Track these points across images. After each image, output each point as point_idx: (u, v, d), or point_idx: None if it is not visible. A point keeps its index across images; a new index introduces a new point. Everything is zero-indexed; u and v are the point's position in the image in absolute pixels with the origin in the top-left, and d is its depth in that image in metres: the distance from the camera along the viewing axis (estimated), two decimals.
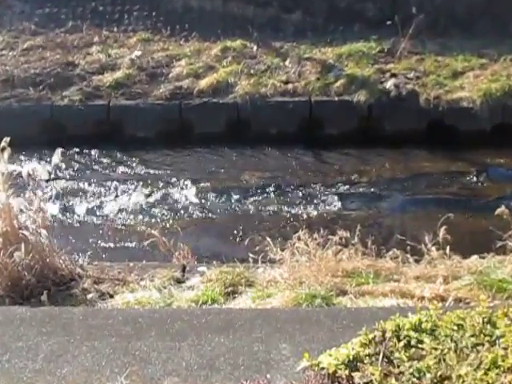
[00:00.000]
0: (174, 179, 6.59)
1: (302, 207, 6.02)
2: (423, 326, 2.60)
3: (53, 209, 5.97)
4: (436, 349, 2.49)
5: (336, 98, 7.36)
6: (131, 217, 5.98)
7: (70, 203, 6.24)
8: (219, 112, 7.39)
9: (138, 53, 8.35)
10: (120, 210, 6.08)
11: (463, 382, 2.36)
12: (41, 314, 3.34)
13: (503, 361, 2.41)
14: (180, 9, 9.21)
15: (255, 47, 8.36)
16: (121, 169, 6.94)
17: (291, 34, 8.71)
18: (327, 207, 6.03)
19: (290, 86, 7.57)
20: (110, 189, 6.48)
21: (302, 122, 7.31)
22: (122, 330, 3.16)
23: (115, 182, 6.58)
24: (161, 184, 6.52)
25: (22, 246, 3.65)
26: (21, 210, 3.88)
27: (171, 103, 7.50)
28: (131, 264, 4.03)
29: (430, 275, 3.71)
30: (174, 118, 7.44)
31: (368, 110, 7.28)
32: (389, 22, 8.13)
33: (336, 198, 6.14)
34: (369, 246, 3.89)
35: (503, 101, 7.13)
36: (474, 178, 6.45)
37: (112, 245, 5.53)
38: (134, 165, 7.00)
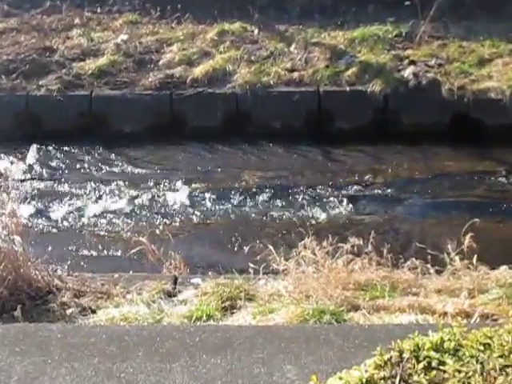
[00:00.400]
0: (164, 179, 6.60)
1: (308, 211, 6.03)
2: (445, 345, 2.60)
3: (28, 212, 5.98)
4: (460, 371, 2.49)
5: (347, 88, 7.37)
6: (116, 222, 5.99)
7: (47, 206, 6.24)
8: (215, 104, 7.40)
9: (124, 37, 8.37)
10: (103, 214, 6.09)
11: None
12: (14, 331, 3.34)
13: None
14: None
15: (256, 31, 8.38)
16: (104, 167, 6.95)
17: (297, 15, 8.73)
18: (337, 211, 6.03)
19: (295, 74, 7.59)
20: (92, 190, 6.48)
21: (309, 114, 7.33)
22: (105, 350, 3.16)
23: (98, 183, 6.58)
24: (149, 185, 6.53)
25: None
26: None
27: (161, 94, 7.51)
28: (116, 275, 4.04)
29: (454, 288, 3.71)
30: (165, 111, 7.46)
31: (383, 102, 7.29)
32: (407, 3, 8.16)
33: (347, 200, 6.14)
34: (384, 256, 3.89)
35: None
36: (504, 179, 6.45)
37: (94, 253, 5.53)
38: (119, 163, 7.01)
